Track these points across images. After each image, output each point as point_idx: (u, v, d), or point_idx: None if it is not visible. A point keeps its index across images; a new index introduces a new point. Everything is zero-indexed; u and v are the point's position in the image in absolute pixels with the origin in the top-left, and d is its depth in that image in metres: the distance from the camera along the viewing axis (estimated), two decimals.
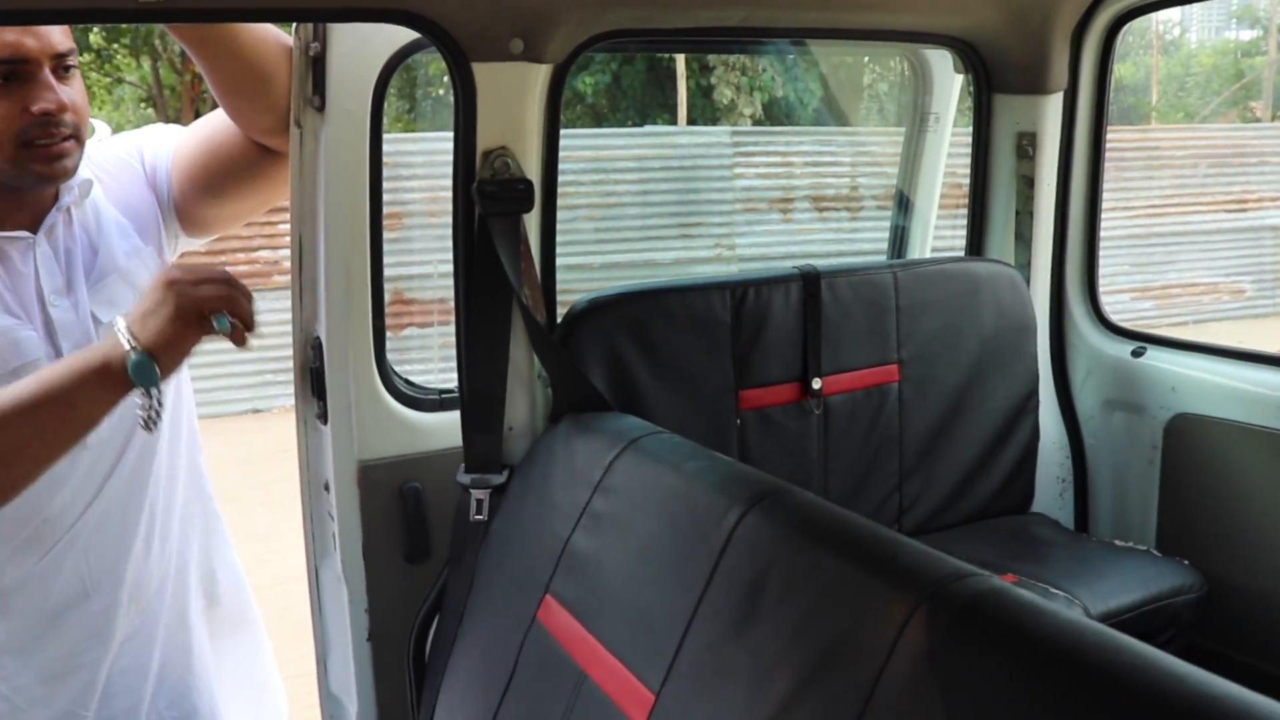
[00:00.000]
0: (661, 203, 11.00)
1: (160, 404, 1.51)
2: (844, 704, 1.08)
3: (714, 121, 16.41)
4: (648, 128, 12.49)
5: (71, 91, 1.69)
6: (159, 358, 1.47)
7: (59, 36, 1.67)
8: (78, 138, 1.71)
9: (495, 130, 1.70)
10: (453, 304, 1.79)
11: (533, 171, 1.74)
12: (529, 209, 1.73)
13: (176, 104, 15.38)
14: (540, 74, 1.73)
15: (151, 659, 1.87)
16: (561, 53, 1.75)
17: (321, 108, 1.69)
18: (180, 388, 1.92)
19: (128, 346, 1.46)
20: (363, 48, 1.71)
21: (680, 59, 13.01)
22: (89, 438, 1.69)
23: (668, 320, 1.94)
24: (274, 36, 1.68)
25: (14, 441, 1.51)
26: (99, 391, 1.49)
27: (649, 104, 16.37)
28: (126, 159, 1.89)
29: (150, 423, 1.50)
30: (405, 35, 1.70)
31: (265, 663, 2.14)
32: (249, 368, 9.11)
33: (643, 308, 1.93)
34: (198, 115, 2.16)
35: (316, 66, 1.68)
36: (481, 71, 1.67)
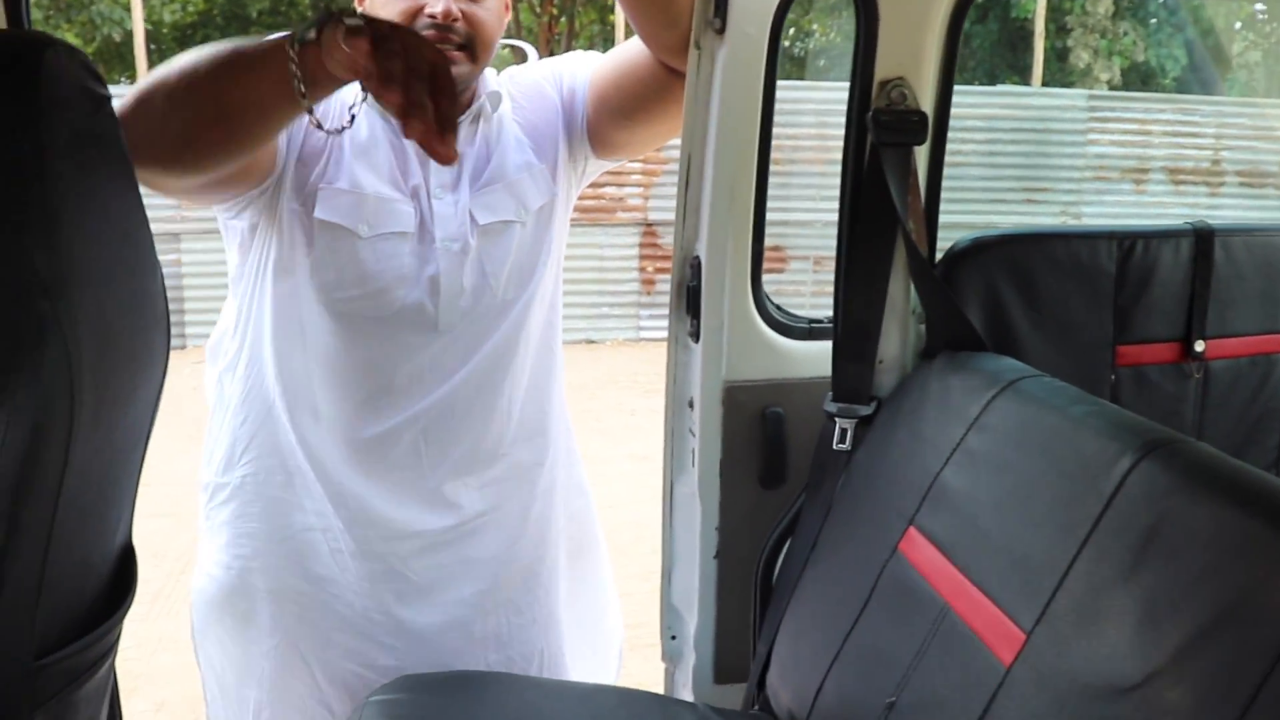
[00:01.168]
0: (1008, 165, 10.68)
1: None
2: (1247, 662, 1.03)
3: (1067, 85, 15.76)
4: (1000, 87, 12.09)
5: (474, 7, 1.77)
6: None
7: None
8: (470, 49, 1.78)
9: (893, 60, 1.69)
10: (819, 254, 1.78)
11: (927, 104, 1.73)
12: (921, 141, 1.71)
13: (532, 45, 16.01)
14: (943, 5, 1.70)
15: (499, 550, 1.97)
16: None
17: (721, 30, 1.71)
18: (554, 305, 2.01)
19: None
20: None
21: (1040, 18, 12.49)
22: (440, 320, 1.85)
23: (1050, 266, 1.88)
24: None
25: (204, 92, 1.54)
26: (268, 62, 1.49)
27: (998, 64, 15.87)
28: (541, 83, 1.98)
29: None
30: None
31: (607, 584, 2.22)
32: (587, 299, 9.46)
33: (1026, 251, 1.88)
34: (551, 56, 2.25)
35: None
36: (885, 0, 1.66)
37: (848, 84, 1.76)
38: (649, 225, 9.82)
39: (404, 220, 1.82)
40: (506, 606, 1.98)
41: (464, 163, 1.88)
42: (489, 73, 1.93)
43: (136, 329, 1.15)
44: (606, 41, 16.65)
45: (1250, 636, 1.05)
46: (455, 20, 1.74)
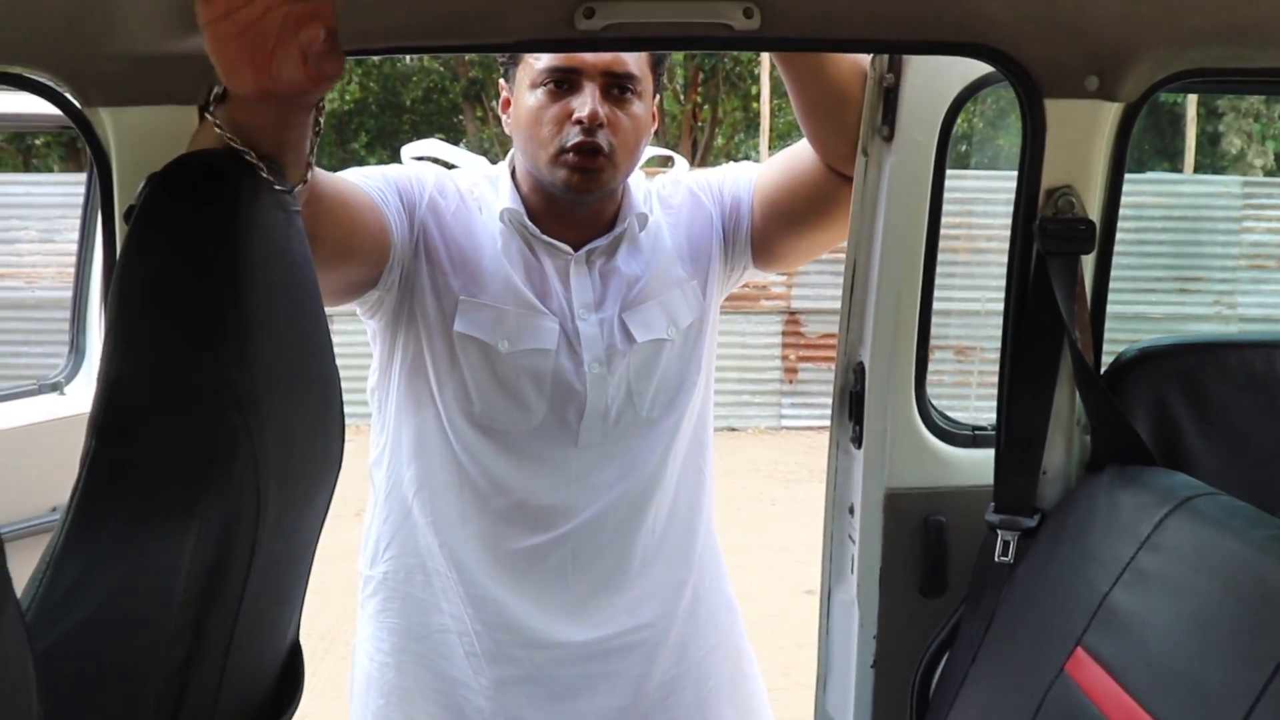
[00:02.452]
0: (1159, 254, 10.46)
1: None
2: None
3: (1219, 171, 15.44)
4: (1150, 174, 11.88)
5: (619, 114, 1.81)
6: None
7: (619, 58, 1.79)
8: (613, 159, 1.81)
9: (1061, 168, 1.67)
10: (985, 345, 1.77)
11: (1094, 212, 1.70)
12: (1089, 250, 1.69)
13: (675, 132, 16.26)
14: (1111, 112, 1.68)
15: (638, 667, 1.99)
16: (1135, 92, 1.69)
17: (889, 138, 1.74)
18: (704, 422, 2.02)
19: None
20: (934, 82, 1.74)
21: (1191, 103, 12.28)
22: (580, 436, 1.88)
23: (1223, 376, 1.83)
24: (854, 62, 1.75)
25: None
26: None
27: (1147, 150, 15.62)
28: (697, 193, 2.01)
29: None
30: (977, 70, 1.71)
31: (755, 679, 2.20)
32: (729, 387, 9.50)
33: (1197, 361, 1.83)
34: (694, 144, 2.29)
35: (888, 98, 1.73)
36: (1053, 108, 1.64)
37: (988, 170, 1.76)
38: (792, 314, 9.84)
39: (545, 337, 1.84)
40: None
41: (610, 281, 1.90)
42: (638, 187, 1.95)
43: (316, 437, 1.19)
44: (750, 128, 16.82)
45: None
46: (600, 125, 1.78)
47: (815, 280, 9.81)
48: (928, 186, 1.76)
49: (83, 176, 3.09)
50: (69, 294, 3.07)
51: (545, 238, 1.88)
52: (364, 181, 1.78)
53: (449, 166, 1.99)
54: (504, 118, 1.93)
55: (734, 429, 9.74)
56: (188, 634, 0.98)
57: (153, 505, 0.98)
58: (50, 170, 15.61)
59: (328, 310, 1.25)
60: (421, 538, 1.92)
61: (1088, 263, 1.73)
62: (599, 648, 1.94)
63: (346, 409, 1.24)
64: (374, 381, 1.96)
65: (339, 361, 1.24)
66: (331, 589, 5.82)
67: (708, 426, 2.04)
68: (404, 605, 1.95)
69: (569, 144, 1.78)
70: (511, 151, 1.94)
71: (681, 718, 2.01)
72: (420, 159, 1.98)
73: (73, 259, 3.07)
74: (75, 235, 3.05)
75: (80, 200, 3.03)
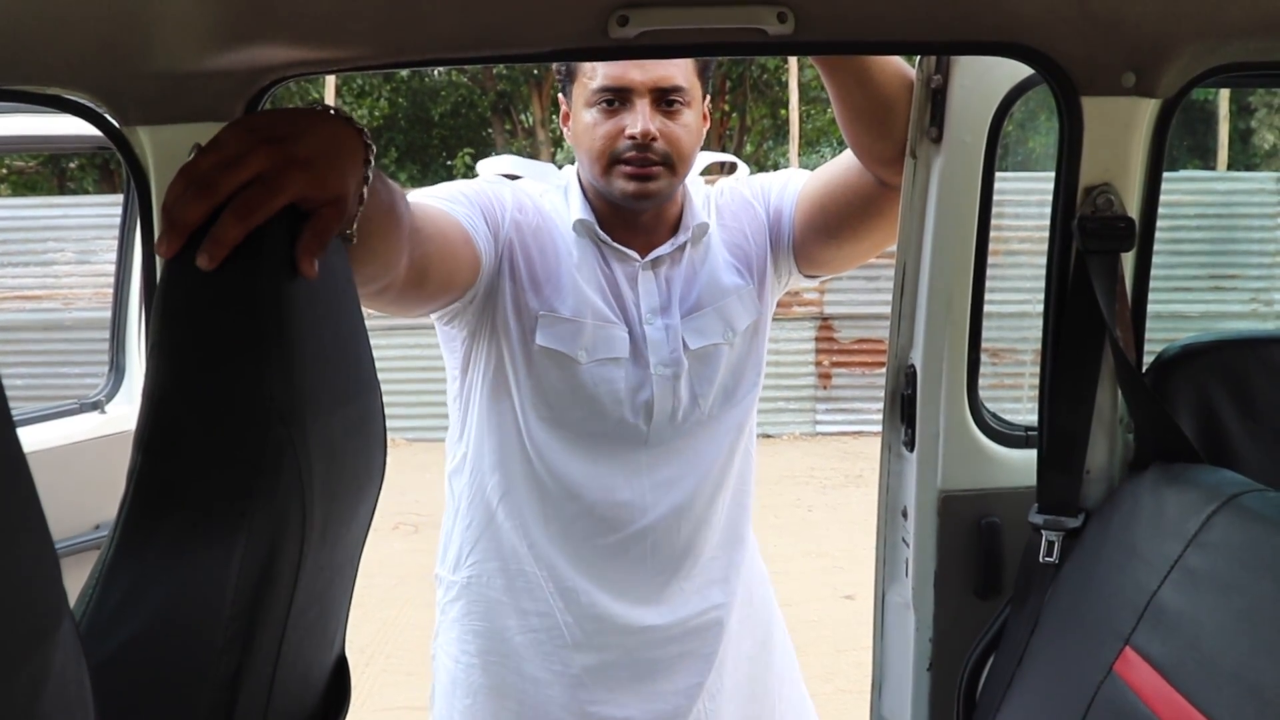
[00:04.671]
0: (1193, 252, 10.38)
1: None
2: None
3: (1252, 167, 15.32)
4: (1182, 172, 11.79)
5: (670, 124, 1.90)
6: None
7: (666, 72, 1.88)
8: (668, 166, 1.90)
9: (1099, 166, 1.66)
10: (1019, 346, 1.77)
11: (1133, 209, 1.69)
12: (1129, 248, 1.68)
13: (705, 140, 16.21)
14: (1149, 109, 1.67)
15: (708, 645, 2.11)
16: (1173, 87, 1.68)
17: (938, 139, 1.74)
18: (753, 412, 2.12)
19: None
20: (982, 82, 1.74)
21: (1224, 100, 12.18)
22: (650, 437, 1.99)
23: (1268, 372, 1.81)
24: (898, 68, 1.76)
25: None
26: None
27: (1179, 148, 15.53)
28: (750, 200, 2.10)
29: None
30: (1025, 69, 1.70)
31: (795, 672, 2.32)
32: (764, 394, 9.47)
33: (1240, 357, 1.81)
34: (723, 149, 2.34)
35: (936, 99, 1.73)
36: (1090, 105, 1.63)
37: (1023, 172, 1.76)
38: (825, 319, 9.82)
39: (619, 346, 1.94)
40: (714, 695, 2.10)
41: (673, 287, 2.00)
42: (698, 193, 2.02)
43: (360, 449, 1.19)
44: (779, 135, 16.80)
45: None
46: (654, 140, 1.88)
47: (848, 285, 9.79)
48: (977, 187, 1.76)
49: (118, 198, 3.13)
50: (106, 315, 3.10)
51: (616, 245, 1.98)
52: (449, 207, 1.85)
53: (513, 177, 2.08)
54: (565, 130, 2.03)
55: (769, 435, 9.71)
56: (237, 646, 0.98)
57: (200, 519, 0.98)
58: (86, 193, 15.77)
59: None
60: (506, 541, 2.02)
61: (1127, 260, 1.72)
62: (678, 629, 2.06)
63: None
64: (454, 391, 2.05)
65: (380, 375, 1.25)
66: (370, 602, 5.89)
67: (754, 415, 2.14)
68: (488, 609, 2.06)
69: (624, 156, 1.89)
70: (575, 164, 2.05)
71: (755, 688, 2.18)
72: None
73: (109, 280, 3.10)
74: (111, 256, 3.08)
75: (117, 221, 3.06)
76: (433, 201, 1.83)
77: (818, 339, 10.03)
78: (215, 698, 0.97)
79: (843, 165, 1.96)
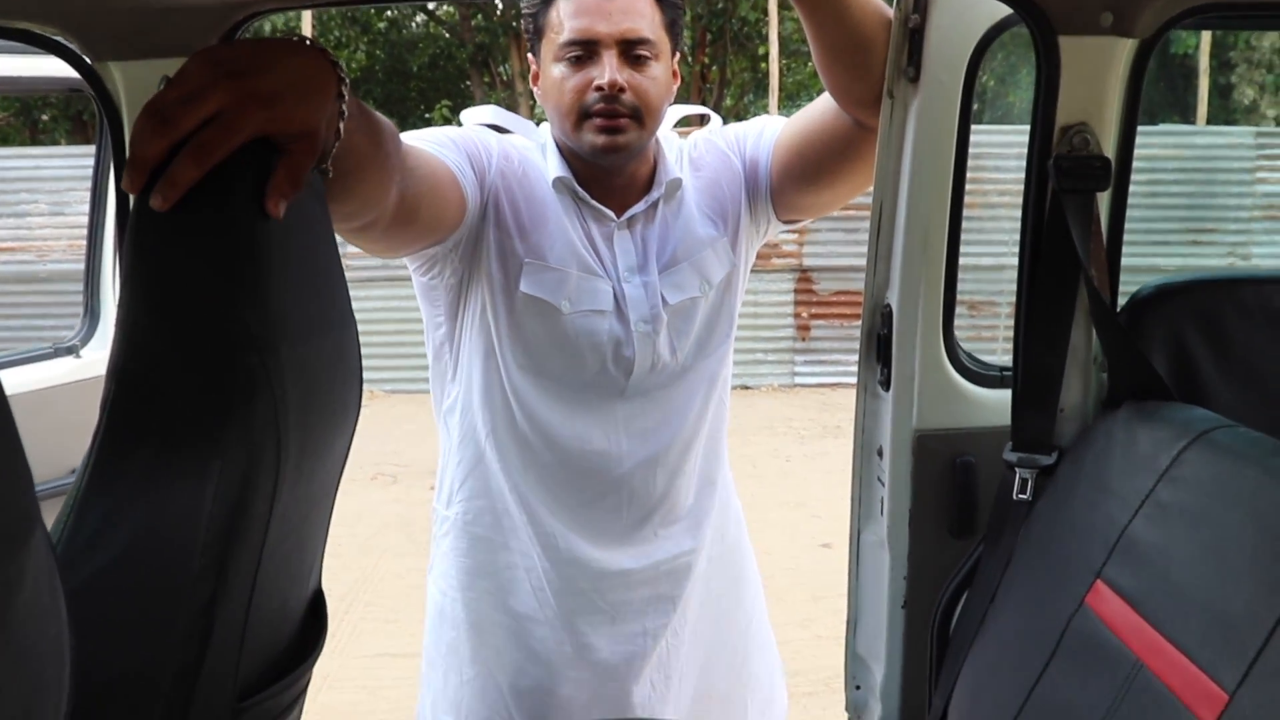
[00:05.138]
0: (1171, 205, 10.42)
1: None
2: None
3: (1232, 122, 15.35)
4: (1161, 126, 11.80)
5: (638, 76, 1.90)
6: None
7: (633, 25, 1.88)
8: (637, 118, 1.90)
9: (1076, 106, 1.67)
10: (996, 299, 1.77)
11: (1109, 149, 1.70)
12: (1104, 188, 1.68)
13: (684, 94, 16.18)
14: (1126, 49, 1.68)
15: (682, 588, 2.14)
16: (1150, 27, 1.69)
17: (915, 79, 1.72)
18: (727, 360, 2.15)
19: None
20: (960, 22, 1.72)
21: (1204, 54, 12.17)
22: (627, 388, 2.01)
23: (1240, 312, 1.82)
24: (876, 7, 1.75)
25: None
26: None
27: (1159, 102, 15.54)
28: (725, 151, 2.10)
29: None
30: (1003, 10, 1.69)
31: (763, 615, 2.36)
32: (742, 345, 9.49)
33: (1213, 297, 1.83)
34: (703, 105, 2.33)
35: (914, 38, 1.71)
36: (1067, 45, 1.64)
37: (1001, 125, 1.75)
38: (804, 271, 9.82)
39: (602, 299, 1.96)
40: (676, 633, 2.14)
41: (649, 245, 2.01)
42: (670, 147, 2.03)
43: (335, 382, 1.19)
44: (759, 88, 16.74)
45: None
46: (621, 91, 1.87)
47: (827, 237, 9.79)
48: (954, 127, 1.75)
49: (91, 149, 3.09)
50: (80, 266, 3.08)
51: (594, 203, 1.98)
52: (437, 150, 1.84)
53: (496, 128, 2.08)
54: (535, 90, 2.02)
55: (748, 387, 9.74)
56: (212, 574, 0.98)
57: (174, 447, 0.98)
58: (58, 144, 15.62)
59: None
60: (493, 480, 2.05)
61: (1103, 201, 1.72)
62: (651, 573, 2.09)
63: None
64: (442, 335, 2.06)
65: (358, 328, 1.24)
66: (350, 551, 5.91)
67: (729, 362, 2.16)
68: (473, 544, 2.09)
69: (593, 108, 1.88)
70: (545, 122, 2.04)
71: (722, 624, 2.22)
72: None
73: (83, 231, 3.08)
74: (84, 208, 3.05)
75: (89, 172, 3.03)
76: (419, 144, 1.81)
77: (796, 291, 10.03)
78: (191, 625, 0.98)
79: (819, 109, 1.95)
